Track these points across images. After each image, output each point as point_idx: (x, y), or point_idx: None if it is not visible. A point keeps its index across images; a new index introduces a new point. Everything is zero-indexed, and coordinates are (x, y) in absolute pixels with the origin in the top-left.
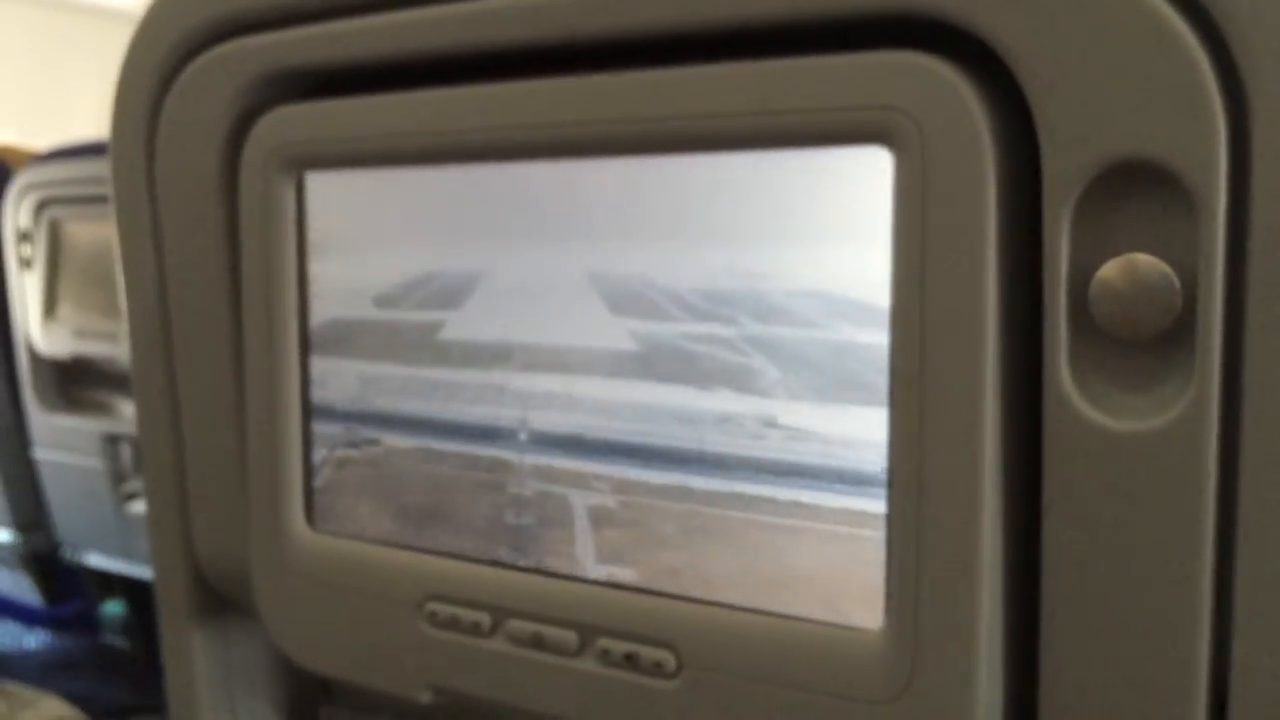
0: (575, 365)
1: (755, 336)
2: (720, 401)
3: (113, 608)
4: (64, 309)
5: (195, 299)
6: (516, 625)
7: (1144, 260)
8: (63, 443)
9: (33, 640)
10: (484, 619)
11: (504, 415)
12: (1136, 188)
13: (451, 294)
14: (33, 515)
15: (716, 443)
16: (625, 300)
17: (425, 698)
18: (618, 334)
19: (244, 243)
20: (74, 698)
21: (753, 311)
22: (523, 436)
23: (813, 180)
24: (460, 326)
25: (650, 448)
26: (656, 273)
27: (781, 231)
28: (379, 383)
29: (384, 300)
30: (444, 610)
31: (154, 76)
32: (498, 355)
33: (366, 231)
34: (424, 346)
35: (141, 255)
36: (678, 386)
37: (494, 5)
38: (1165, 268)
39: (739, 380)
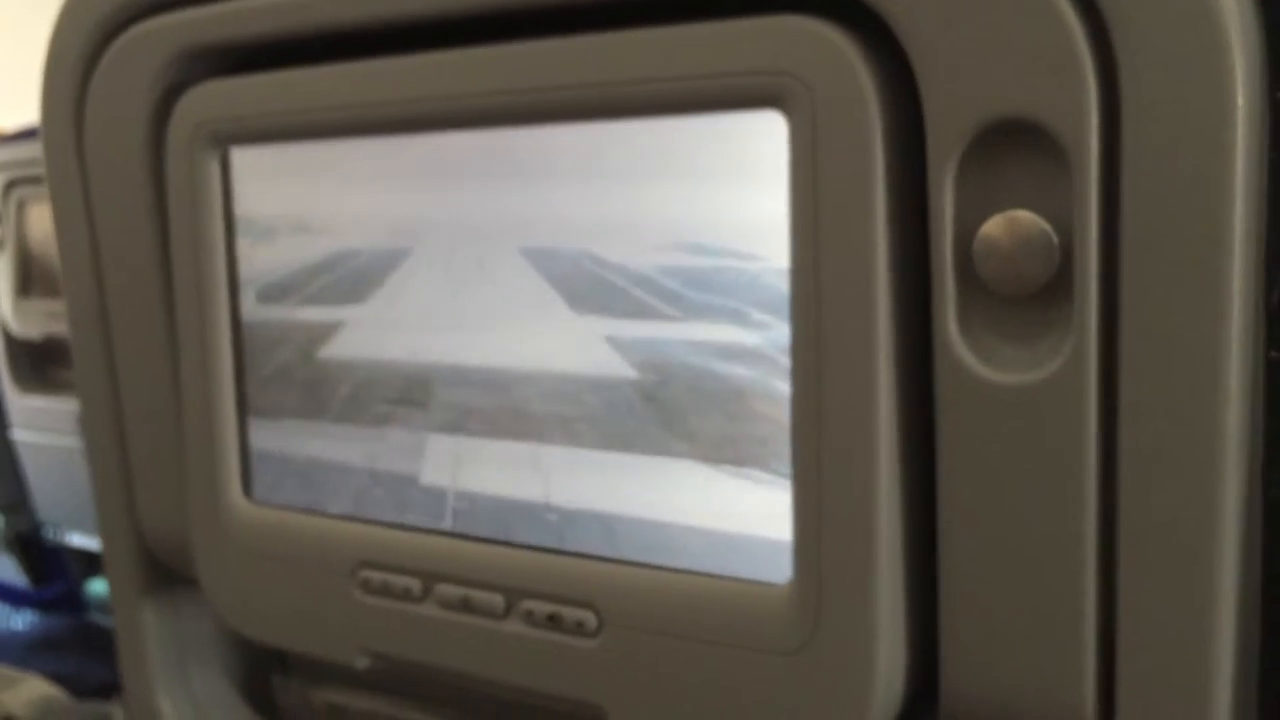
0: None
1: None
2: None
3: (98, 586)
4: (36, 290)
5: (129, 275)
6: (446, 590)
7: (1024, 216)
8: (40, 423)
9: (20, 622)
10: (414, 584)
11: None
12: (1015, 146)
13: (372, 273)
14: (14, 497)
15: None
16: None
17: (362, 663)
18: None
19: (172, 219)
20: (60, 677)
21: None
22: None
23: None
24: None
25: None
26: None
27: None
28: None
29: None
30: (376, 577)
31: (80, 54)
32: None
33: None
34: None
35: (75, 233)
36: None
37: None
38: (1044, 224)
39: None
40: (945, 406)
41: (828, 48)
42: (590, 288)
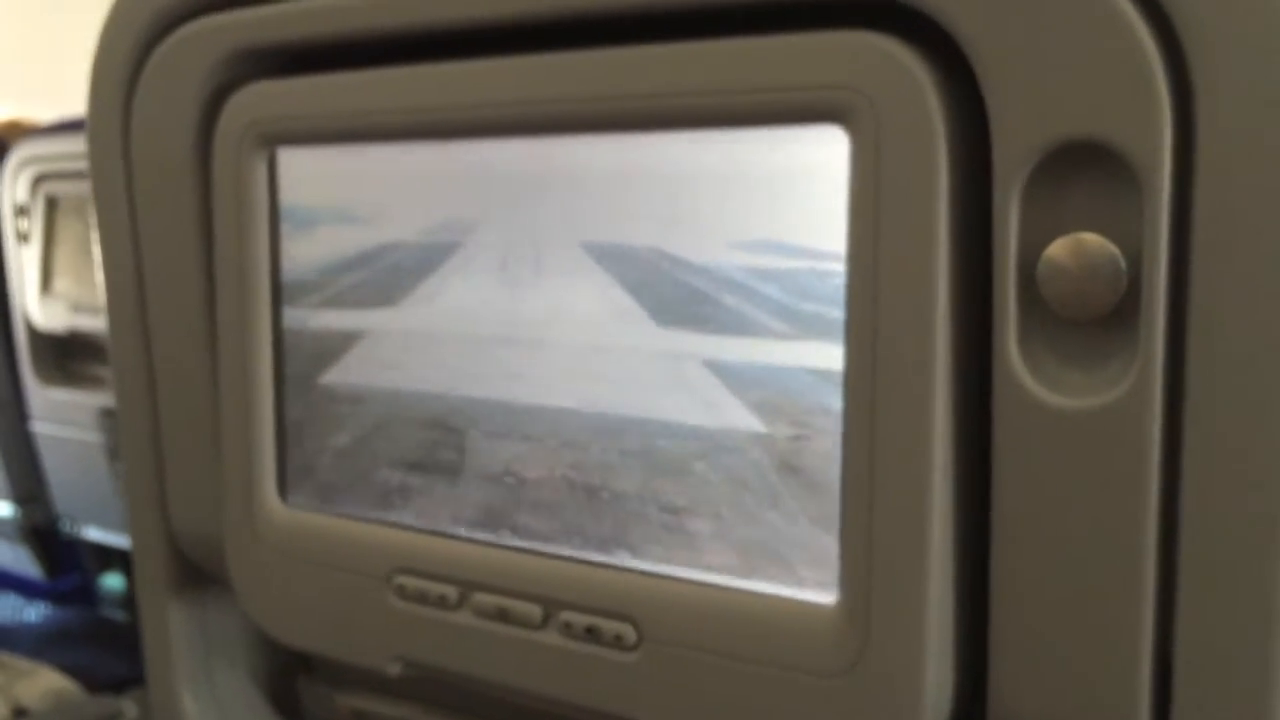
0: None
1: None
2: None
3: (111, 580)
4: (60, 283)
5: (171, 274)
6: (482, 598)
7: (1091, 239)
8: (60, 416)
9: (33, 613)
10: (451, 592)
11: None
12: (1084, 168)
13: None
14: (31, 489)
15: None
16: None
17: (394, 670)
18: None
19: (217, 218)
20: (72, 669)
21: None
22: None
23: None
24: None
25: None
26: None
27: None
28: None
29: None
30: (412, 583)
31: (129, 53)
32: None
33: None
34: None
35: (118, 231)
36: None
37: None
38: (1112, 247)
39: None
40: (1003, 429)
41: (893, 64)
42: (672, 293)
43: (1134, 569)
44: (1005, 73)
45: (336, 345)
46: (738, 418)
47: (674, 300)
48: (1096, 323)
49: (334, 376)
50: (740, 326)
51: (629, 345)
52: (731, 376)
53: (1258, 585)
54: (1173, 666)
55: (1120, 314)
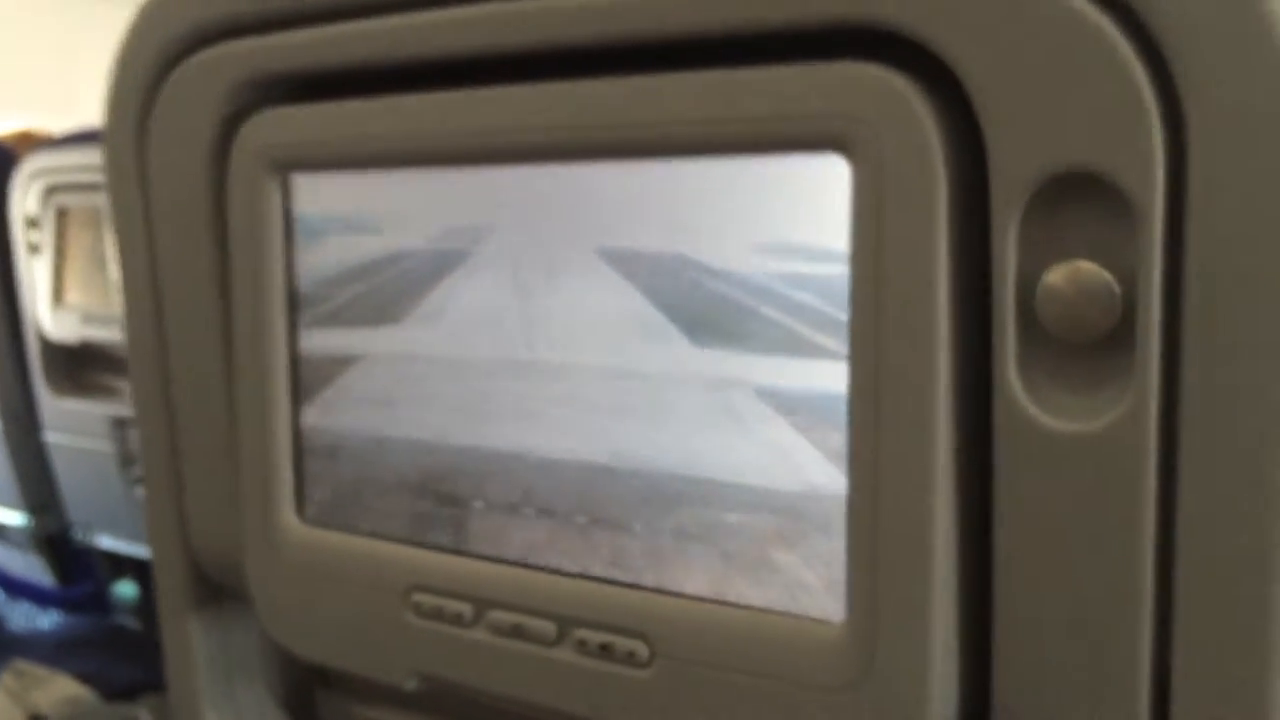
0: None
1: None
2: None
3: (124, 588)
4: (72, 294)
5: (188, 296)
6: (498, 616)
7: (1087, 266)
8: (72, 426)
9: (46, 621)
10: (466, 609)
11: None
12: (1080, 196)
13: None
14: (44, 497)
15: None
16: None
17: (411, 685)
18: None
19: (232, 241)
20: (85, 677)
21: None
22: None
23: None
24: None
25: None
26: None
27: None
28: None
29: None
30: (428, 601)
31: (144, 79)
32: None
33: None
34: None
35: (136, 253)
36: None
37: (472, 13)
38: (1106, 274)
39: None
40: (1003, 451)
41: (893, 95)
42: (702, 305)
43: (1131, 593)
44: (1002, 105)
45: (333, 369)
46: (821, 476)
47: (705, 313)
48: (1093, 347)
49: (333, 399)
50: (788, 344)
51: (663, 370)
52: (795, 411)
53: (1253, 605)
54: (1170, 687)
55: (1116, 339)
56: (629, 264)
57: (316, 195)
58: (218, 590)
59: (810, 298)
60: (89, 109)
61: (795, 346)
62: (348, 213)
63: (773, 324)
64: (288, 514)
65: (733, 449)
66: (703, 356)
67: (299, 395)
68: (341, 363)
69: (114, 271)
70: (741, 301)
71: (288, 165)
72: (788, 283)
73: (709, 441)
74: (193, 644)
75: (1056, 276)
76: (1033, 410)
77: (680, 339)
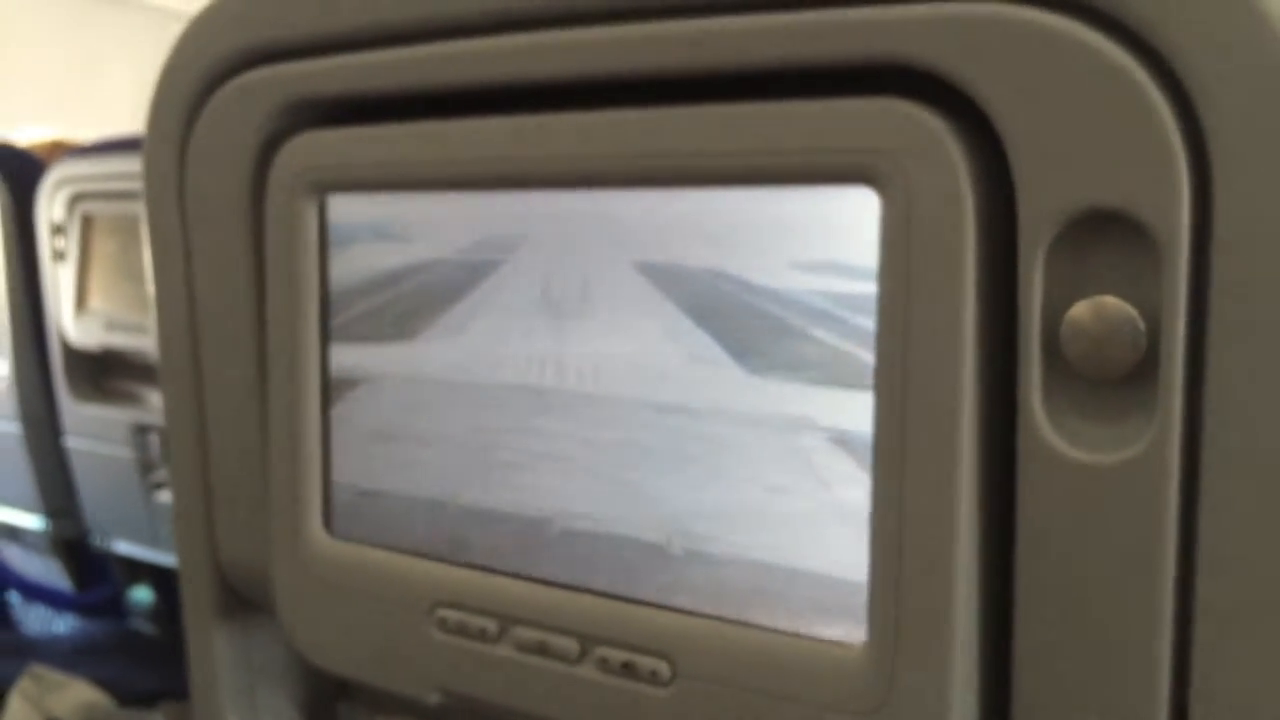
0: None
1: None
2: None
3: (140, 594)
4: (95, 301)
5: (222, 312)
6: (521, 632)
7: (1111, 303)
8: (93, 432)
9: (62, 625)
10: (491, 625)
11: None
12: (1105, 233)
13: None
14: (63, 502)
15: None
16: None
17: (434, 699)
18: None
19: (269, 260)
20: (102, 682)
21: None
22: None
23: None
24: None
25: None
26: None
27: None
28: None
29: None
30: (453, 616)
31: (185, 101)
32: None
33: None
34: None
35: (171, 267)
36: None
37: (509, 43)
38: (1131, 310)
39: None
40: (1027, 482)
41: (923, 130)
42: (751, 326)
43: (1151, 617)
44: (1031, 143)
45: (362, 383)
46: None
47: (755, 335)
48: (1116, 382)
49: (361, 414)
50: (853, 375)
51: (716, 405)
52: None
53: (1273, 637)
54: (1189, 713)
55: (1140, 374)
56: (667, 278)
57: (348, 207)
58: (243, 601)
59: (863, 320)
60: (110, 118)
61: (857, 377)
62: (378, 221)
63: (823, 347)
64: (315, 527)
65: (818, 538)
66: (759, 388)
67: (329, 410)
68: (370, 378)
69: (149, 285)
70: (787, 321)
71: (326, 187)
72: (834, 302)
73: (785, 510)
74: (216, 654)
75: (1081, 312)
76: (1056, 441)
77: (732, 364)
